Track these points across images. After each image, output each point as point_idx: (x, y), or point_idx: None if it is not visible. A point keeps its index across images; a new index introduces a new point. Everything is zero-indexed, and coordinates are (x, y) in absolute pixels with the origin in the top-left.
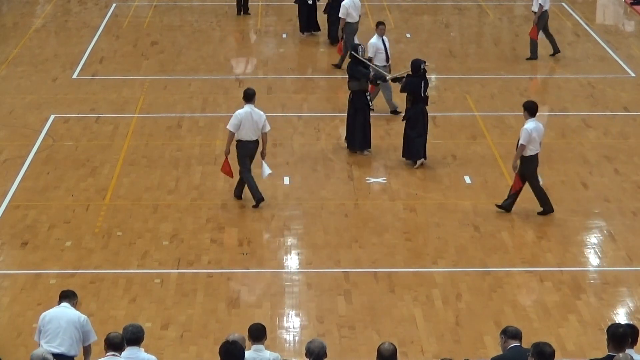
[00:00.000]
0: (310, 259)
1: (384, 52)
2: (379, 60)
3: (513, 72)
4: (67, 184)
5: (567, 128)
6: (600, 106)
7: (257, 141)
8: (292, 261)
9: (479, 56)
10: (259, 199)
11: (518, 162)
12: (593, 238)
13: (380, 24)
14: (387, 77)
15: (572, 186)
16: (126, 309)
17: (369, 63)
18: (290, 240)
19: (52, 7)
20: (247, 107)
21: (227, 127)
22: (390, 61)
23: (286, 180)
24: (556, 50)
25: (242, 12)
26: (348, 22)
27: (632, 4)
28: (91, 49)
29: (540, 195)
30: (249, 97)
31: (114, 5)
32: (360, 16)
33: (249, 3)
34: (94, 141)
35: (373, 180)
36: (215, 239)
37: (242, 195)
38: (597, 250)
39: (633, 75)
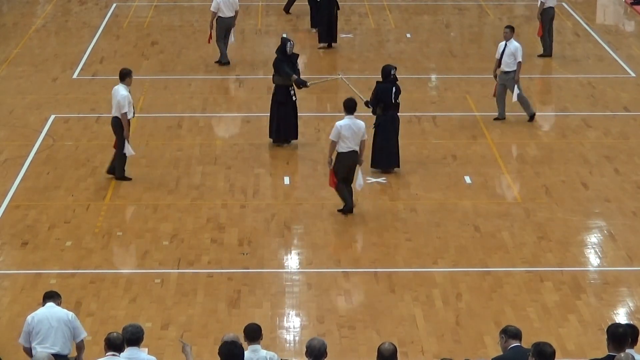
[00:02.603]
0: (310, 259)
1: (499, 57)
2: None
3: None
4: (67, 184)
5: (567, 128)
6: (600, 106)
7: (114, 118)
8: (292, 261)
9: (479, 56)
10: (120, 175)
11: (332, 157)
12: (593, 238)
13: (506, 27)
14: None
15: (572, 186)
16: (126, 309)
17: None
18: (290, 240)
19: (52, 7)
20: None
21: None
22: (499, 69)
23: (286, 180)
24: (547, 53)
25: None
26: (219, 17)
27: (632, 4)
28: (91, 49)
29: (343, 194)
30: (120, 75)
31: (114, 5)
32: (237, 12)
33: (246, 3)
34: (94, 141)
35: (373, 180)
36: (215, 239)
37: (113, 169)
38: (597, 250)
39: (633, 75)
